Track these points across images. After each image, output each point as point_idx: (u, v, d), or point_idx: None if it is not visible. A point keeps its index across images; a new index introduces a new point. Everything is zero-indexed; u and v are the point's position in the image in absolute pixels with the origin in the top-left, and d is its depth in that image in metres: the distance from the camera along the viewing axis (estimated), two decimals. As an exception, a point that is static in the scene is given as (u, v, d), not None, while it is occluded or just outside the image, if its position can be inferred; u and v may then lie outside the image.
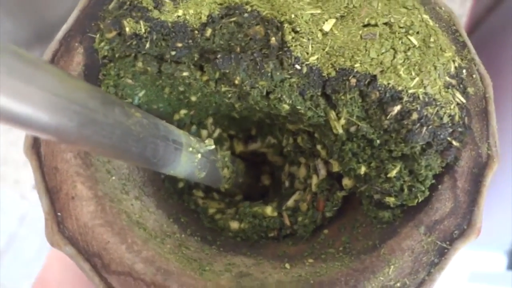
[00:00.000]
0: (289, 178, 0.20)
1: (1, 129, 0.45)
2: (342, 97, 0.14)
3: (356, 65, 0.14)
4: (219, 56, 0.15)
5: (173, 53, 0.15)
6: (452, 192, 0.14)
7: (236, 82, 0.15)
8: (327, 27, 0.15)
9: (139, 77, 0.16)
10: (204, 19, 0.15)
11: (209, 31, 0.15)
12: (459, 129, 0.14)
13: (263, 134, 0.21)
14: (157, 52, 0.15)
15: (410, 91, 0.13)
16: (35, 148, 0.14)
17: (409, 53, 0.14)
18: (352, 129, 0.14)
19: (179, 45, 0.15)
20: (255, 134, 0.21)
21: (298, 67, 0.14)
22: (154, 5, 0.15)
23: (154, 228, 0.15)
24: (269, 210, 0.18)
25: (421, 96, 0.13)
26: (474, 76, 0.15)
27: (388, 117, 0.13)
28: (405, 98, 0.13)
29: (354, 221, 0.16)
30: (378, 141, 0.14)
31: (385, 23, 0.15)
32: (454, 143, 0.14)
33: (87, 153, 0.14)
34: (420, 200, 0.14)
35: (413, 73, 0.14)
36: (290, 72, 0.14)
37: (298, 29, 0.15)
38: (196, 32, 0.15)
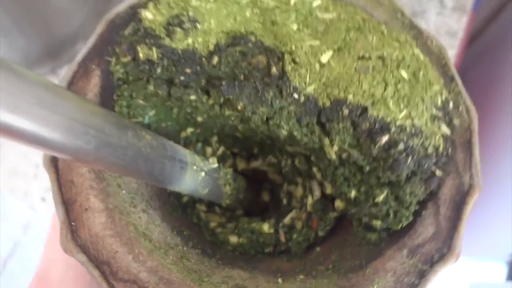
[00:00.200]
0: (287, 196, 0.21)
1: (11, 143, 0.47)
2: (336, 126, 0.15)
3: (349, 96, 0.15)
4: (224, 83, 0.16)
5: (182, 78, 0.16)
6: (435, 218, 0.15)
7: (239, 107, 0.16)
8: (324, 58, 0.16)
9: (150, 98, 0.17)
10: (211, 47, 0.16)
11: (215, 59, 0.16)
12: (443, 160, 0.15)
13: (265, 153, 0.22)
14: (167, 76, 0.16)
15: (398, 122, 0.15)
16: (54, 162, 0.15)
17: (399, 86, 0.15)
18: (344, 155, 0.16)
19: (188, 71, 0.16)
20: (257, 153, 0.23)
21: (296, 96, 0.15)
22: (166, 33, 0.16)
23: (158, 240, 0.16)
24: (266, 227, 0.19)
25: (408, 128, 0.14)
26: (460, 108, 0.16)
27: (376, 146, 0.15)
28: (393, 129, 0.14)
29: (344, 241, 0.17)
30: (367, 168, 0.15)
31: (379, 57, 0.16)
32: (438, 172, 0.15)
33: (99, 171, 0.15)
34: (404, 225, 0.15)
35: (402, 106, 0.15)
36: (289, 100, 0.16)
37: (297, 60, 0.16)
38: (204, 59, 0.16)
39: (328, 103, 0.15)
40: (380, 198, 0.15)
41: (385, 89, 0.15)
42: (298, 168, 0.20)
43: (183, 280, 0.14)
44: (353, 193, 0.16)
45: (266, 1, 0.18)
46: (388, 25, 0.17)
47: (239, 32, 0.17)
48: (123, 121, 0.13)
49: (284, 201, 0.21)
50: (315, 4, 0.18)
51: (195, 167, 0.17)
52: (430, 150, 0.15)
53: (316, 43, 0.17)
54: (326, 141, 0.16)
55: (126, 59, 0.16)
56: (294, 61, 0.16)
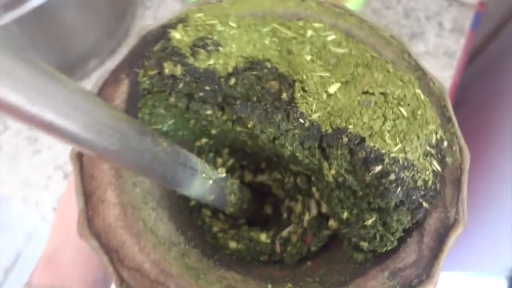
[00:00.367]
0: (288, 211, 0.23)
1: (24, 154, 0.49)
2: (335, 152, 0.17)
3: (350, 127, 0.16)
4: (238, 102, 0.18)
5: (201, 94, 0.18)
6: (418, 246, 0.16)
7: (249, 125, 0.18)
8: (332, 89, 0.18)
9: (170, 109, 0.19)
10: (230, 69, 0.18)
11: (233, 80, 0.18)
12: (431, 193, 0.16)
13: (271, 169, 0.24)
14: (187, 91, 0.18)
15: (392, 154, 0.16)
16: (79, 157, 0.17)
17: (397, 122, 0.17)
18: (340, 179, 0.17)
19: (207, 88, 0.18)
20: (264, 168, 0.24)
21: (301, 121, 0.17)
22: (190, 52, 0.18)
23: (163, 237, 0.17)
24: (264, 237, 0.20)
25: (400, 160, 0.16)
26: (454, 148, 0.17)
27: (370, 174, 0.16)
28: (387, 160, 0.16)
29: (334, 257, 0.18)
30: (360, 193, 0.17)
31: (381, 93, 0.17)
32: (425, 204, 0.16)
33: (118, 169, 0.17)
34: (388, 248, 0.16)
35: (397, 140, 0.16)
36: (294, 124, 0.17)
37: (307, 88, 0.18)
38: (222, 79, 0.18)
39: (330, 130, 0.17)
40: (369, 222, 0.16)
41: (383, 123, 0.16)
42: (299, 186, 0.21)
43: (181, 275, 0.16)
44: (345, 214, 0.17)
45: (284, 31, 0.19)
46: (395, 65, 0.19)
47: (257, 58, 0.18)
48: (144, 128, 0.15)
49: (284, 215, 0.22)
50: (329, 38, 0.19)
51: (204, 175, 0.18)
52: (419, 183, 0.16)
53: (326, 74, 0.18)
54: (325, 164, 0.17)
55: (153, 72, 0.18)
56: (303, 89, 0.18)
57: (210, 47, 0.18)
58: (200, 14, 0.19)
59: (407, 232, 0.16)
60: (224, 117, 0.19)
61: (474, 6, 0.54)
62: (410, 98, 0.17)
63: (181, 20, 0.19)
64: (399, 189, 0.16)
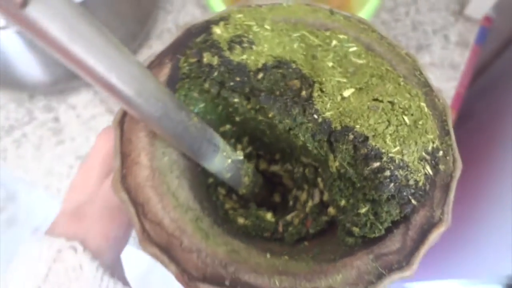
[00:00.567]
0: (294, 199, 0.25)
1: (48, 145, 0.53)
2: (340, 146, 0.19)
3: (357, 126, 0.19)
4: (262, 94, 0.20)
5: (231, 83, 0.21)
6: (403, 237, 0.18)
7: (270, 115, 0.20)
8: (346, 93, 0.20)
9: (203, 93, 0.22)
10: (260, 65, 0.21)
11: (260, 75, 0.21)
12: (420, 193, 0.18)
13: (284, 160, 0.26)
14: (220, 80, 0.21)
15: (390, 154, 0.18)
16: (120, 123, 0.20)
17: (399, 128, 0.19)
18: (342, 171, 0.19)
19: (237, 79, 0.21)
20: (278, 159, 0.27)
21: (315, 116, 0.19)
22: (227, 47, 0.21)
23: (183, 201, 0.20)
24: (269, 216, 0.23)
25: (397, 160, 0.18)
26: (448, 158, 0.19)
27: (368, 169, 0.18)
28: (384, 159, 0.18)
29: (329, 241, 0.20)
30: (358, 185, 0.19)
31: (389, 101, 0.20)
32: (413, 201, 0.18)
33: (153, 136, 0.20)
34: (376, 235, 0.18)
35: (397, 143, 0.18)
36: (309, 118, 0.19)
37: (324, 89, 0.20)
38: (252, 73, 0.21)
39: (339, 127, 0.19)
40: (363, 210, 0.18)
41: (387, 127, 0.19)
42: (307, 176, 0.23)
43: (194, 234, 0.18)
44: (343, 202, 0.19)
45: (312, 39, 0.22)
46: (406, 79, 0.21)
47: (284, 59, 0.21)
48: (181, 103, 0.18)
49: (291, 203, 0.25)
50: (351, 49, 0.22)
51: (224, 153, 0.21)
52: (411, 182, 0.18)
53: (343, 80, 0.21)
54: (331, 156, 0.19)
55: (193, 60, 0.21)
56: (321, 90, 0.20)
57: (245, 44, 0.21)
58: (240, 15, 0.22)
59: (395, 224, 0.18)
60: (249, 106, 0.21)
61: (479, 21, 0.56)
62: (415, 109, 0.19)
63: (223, 18, 0.22)
64: (392, 184, 0.18)
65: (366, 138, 0.18)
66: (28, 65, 0.52)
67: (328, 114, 0.19)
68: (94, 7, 0.47)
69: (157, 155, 0.20)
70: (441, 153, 0.19)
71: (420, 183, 0.18)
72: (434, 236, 0.18)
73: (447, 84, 0.54)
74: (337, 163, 0.19)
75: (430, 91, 0.21)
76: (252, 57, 0.21)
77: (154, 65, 0.21)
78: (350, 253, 0.18)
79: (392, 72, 0.21)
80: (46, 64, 0.52)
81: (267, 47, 0.21)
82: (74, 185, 0.23)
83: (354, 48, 0.22)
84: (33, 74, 0.53)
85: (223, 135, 0.25)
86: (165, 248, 0.18)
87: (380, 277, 0.17)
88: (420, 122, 0.19)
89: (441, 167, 0.19)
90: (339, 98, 0.20)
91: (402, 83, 0.20)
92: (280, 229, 0.22)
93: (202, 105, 0.23)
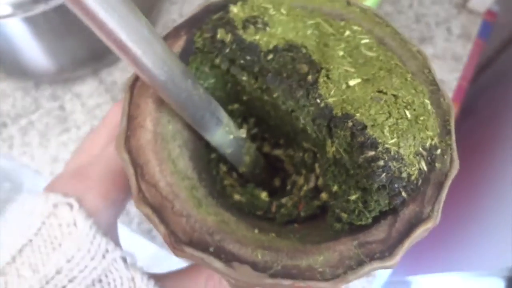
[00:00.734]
0: (292, 184, 0.25)
1: (53, 132, 0.55)
2: (339, 132, 0.19)
3: (357, 114, 0.19)
4: (270, 74, 0.21)
5: (241, 61, 0.21)
6: (389, 228, 0.18)
7: (274, 95, 0.21)
8: (352, 83, 0.20)
9: (213, 69, 0.22)
10: (271, 47, 0.21)
11: (270, 56, 0.21)
12: (411, 187, 0.18)
13: (287, 145, 0.27)
14: (231, 57, 0.21)
15: (386, 145, 0.18)
16: (131, 88, 0.21)
17: (399, 121, 0.19)
18: (338, 156, 0.20)
19: (248, 58, 0.21)
20: (282, 144, 0.27)
21: (318, 101, 0.20)
22: (242, 26, 0.21)
23: (181, 169, 0.21)
24: (263, 195, 0.23)
25: (392, 152, 0.18)
26: (445, 157, 0.19)
27: (363, 156, 0.18)
28: (380, 149, 0.18)
29: (317, 225, 0.21)
30: (351, 171, 0.19)
31: (393, 95, 0.20)
32: (403, 194, 0.18)
33: (161, 104, 0.21)
34: (363, 223, 0.18)
35: (395, 135, 0.19)
36: (311, 102, 0.20)
37: (331, 76, 0.20)
38: (262, 53, 0.21)
39: (339, 114, 0.19)
40: (353, 197, 0.19)
41: (387, 119, 0.19)
42: (306, 161, 0.24)
43: (187, 200, 0.19)
44: (335, 188, 0.20)
45: (326, 27, 0.22)
46: (414, 75, 0.21)
47: (296, 43, 0.21)
48: (188, 72, 0.18)
49: (288, 187, 0.25)
50: (363, 41, 0.22)
51: (227, 128, 0.21)
52: (404, 175, 0.18)
53: (351, 70, 0.21)
54: (329, 142, 0.20)
55: (207, 35, 0.21)
56: (327, 76, 0.20)
57: (259, 25, 0.21)
58: None
59: (383, 214, 0.18)
60: (256, 85, 0.22)
61: (482, 14, 0.57)
62: (418, 105, 0.20)
63: None
64: (384, 174, 0.18)
65: (365, 127, 0.19)
66: (34, 54, 0.52)
67: (330, 100, 0.20)
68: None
69: (163, 122, 0.21)
70: (439, 151, 0.19)
71: (413, 177, 0.18)
72: (420, 231, 0.18)
73: (450, 75, 0.55)
74: (333, 149, 0.20)
75: (436, 89, 0.21)
76: (265, 38, 0.21)
77: (170, 36, 0.22)
78: (335, 237, 0.19)
79: (401, 67, 0.21)
80: (52, 53, 0.53)
81: (280, 30, 0.22)
82: (79, 149, 0.24)
83: (367, 40, 0.22)
84: (39, 63, 0.54)
85: (231, 113, 0.26)
86: (157, 209, 0.19)
87: (361, 263, 0.18)
88: (422, 118, 0.19)
89: (437, 165, 0.19)
90: (344, 86, 0.20)
91: (409, 79, 0.21)
92: (273, 209, 0.23)
93: (212, 80, 0.23)
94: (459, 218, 0.63)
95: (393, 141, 0.18)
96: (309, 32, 0.22)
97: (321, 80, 0.20)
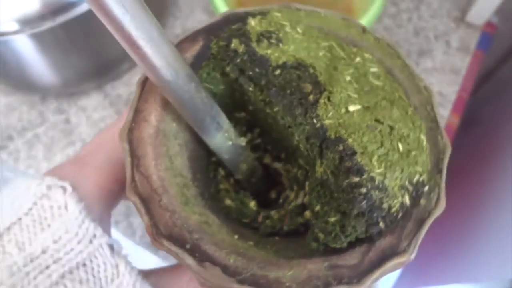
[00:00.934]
0: (284, 198, 0.26)
1: (59, 145, 0.56)
2: (329, 154, 0.20)
3: (349, 140, 0.19)
4: (274, 89, 0.21)
5: (250, 72, 0.22)
6: (362, 256, 0.18)
7: (275, 109, 0.21)
8: (352, 108, 0.21)
9: (224, 76, 0.23)
10: (280, 62, 0.22)
11: (278, 71, 0.22)
12: (390, 219, 0.18)
13: (287, 160, 0.27)
14: (241, 67, 0.22)
15: (372, 174, 0.19)
16: (143, 83, 0.22)
17: (390, 152, 0.19)
18: (325, 178, 0.20)
19: (257, 70, 0.22)
20: (283, 158, 0.28)
21: (315, 121, 0.20)
22: (256, 39, 0.22)
23: (176, 166, 0.22)
24: (252, 204, 0.24)
25: (377, 181, 0.18)
26: (432, 195, 0.19)
27: (347, 181, 0.19)
28: (365, 176, 0.19)
29: (296, 241, 0.21)
30: (335, 194, 0.19)
31: (390, 126, 0.20)
32: (381, 224, 0.18)
33: (168, 101, 0.22)
34: (338, 246, 0.19)
35: (382, 165, 0.19)
36: (308, 121, 0.20)
37: (332, 99, 0.21)
38: (271, 68, 0.22)
39: (333, 136, 0.20)
40: (332, 219, 0.19)
41: (378, 148, 0.19)
42: (298, 178, 0.24)
43: (175, 197, 0.20)
44: (318, 208, 0.20)
45: (338, 51, 0.23)
46: (416, 110, 0.21)
47: (305, 62, 0.22)
48: (193, 75, 0.19)
49: (280, 201, 0.26)
50: (372, 69, 0.22)
51: (226, 134, 0.22)
52: (384, 205, 0.18)
53: (354, 95, 0.21)
54: (318, 162, 0.20)
55: (222, 43, 0.22)
56: (329, 98, 0.21)
57: (273, 41, 0.22)
58: (278, 14, 0.23)
59: (359, 241, 0.19)
60: (260, 97, 0.22)
61: (480, 27, 0.59)
62: (412, 140, 0.20)
63: (262, 13, 0.23)
64: (364, 202, 0.18)
65: (354, 153, 0.19)
66: (40, 69, 0.54)
67: (327, 121, 0.20)
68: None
69: (167, 119, 0.22)
70: (426, 188, 0.19)
71: (393, 210, 0.19)
72: (393, 264, 0.18)
73: (449, 88, 0.56)
74: (322, 169, 0.20)
75: (435, 126, 0.21)
76: (276, 54, 0.22)
77: (188, 40, 0.23)
78: (308, 256, 0.19)
79: (404, 100, 0.21)
80: (58, 68, 0.54)
81: (293, 48, 0.22)
82: (89, 142, 0.24)
83: (375, 69, 0.22)
84: (45, 78, 0.55)
85: (238, 121, 0.27)
86: (145, 200, 0.20)
87: (328, 285, 0.18)
88: (414, 153, 0.19)
89: (422, 201, 0.19)
90: (343, 110, 0.21)
91: (409, 112, 0.21)
92: (260, 219, 0.23)
93: (222, 87, 0.24)
94: (461, 229, 0.63)
95: (379, 170, 0.19)
96: (321, 53, 0.23)
97: (322, 101, 0.21)
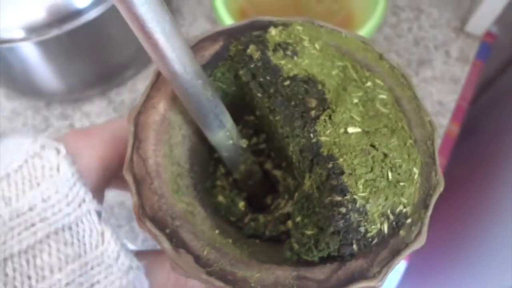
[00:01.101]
0: (276, 205, 0.26)
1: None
2: (318, 169, 0.20)
3: (340, 159, 0.20)
4: (280, 98, 0.22)
5: (261, 79, 0.23)
6: (331, 273, 0.19)
7: (277, 118, 0.22)
8: (351, 130, 0.21)
9: (237, 78, 0.24)
10: (291, 74, 0.22)
11: (287, 82, 0.22)
12: (364, 242, 0.19)
13: (286, 169, 0.28)
14: (254, 72, 0.23)
15: (355, 196, 0.19)
16: (158, 74, 0.23)
17: (378, 179, 0.19)
18: (310, 192, 0.20)
19: (268, 78, 0.23)
20: (283, 166, 0.28)
21: (311, 135, 0.21)
22: (273, 48, 0.23)
23: (175, 155, 0.23)
24: (241, 204, 0.25)
25: (358, 204, 0.19)
26: (413, 228, 0.19)
27: (329, 199, 0.19)
28: (347, 197, 0.19)
29: (274, 247, 0.22)
30: (316, 209, 0.20)
31: (384, 153, 0.20)
32: (354, 246, 0.19)
33: (176, 95, 0.23)
34: (309, 259, 0.19)
35: (367, 190, 0.19)
36: (305, 135, 0.21)
37: (333, 118, 0.21)
38: (281, 78, 0.22)
39: (325, 153, 0.20)
40: (308, 232, 0.19)
41: (366, 173, 0.19)
42: (290, 188, 0.25)
43: (167, 183, 0.21)
44: (298, 219, 0.20)
45: (351, 73, 0.23)
46: (415, 143, 0.21)
47: (315, 78, 0.22)
48: (202, 73, 0.20)
49: (272, 207, 0.26)
50: (380, 96, 0.23)
51: (228, 133, 0.23)
52: (361, 229, 0.19)
53: (357, 118, 0.22)
54: (307, 175, 0.21)
55: (240, 47, 0.23)
56: (330, 117, 0.21)
57: (289, 52, 0.23)
58: (299, 27, 0.24)
59: (331, 258, 0.19)
60: (267, 104, 0.23)
61: (480, 37, 0.60)
62: (404, 171, 0.20)
63: (284, 24, 0.24)
64: (341, 221, 0.19)
65: (342, 173, 0.19)
66: (45, 75, 0.55)
67: (323, 138, 0.21)
68: (109, 21, 0.50)
69: (174, 110, 0.23)
70: (408, 220, 0.19)
71: (369, 235, 0.19)
72: (360, 287, 0.19)
73: (448, 97, 0.56)
74: (309, 183, 0.20)
75: (432, 163, 0.21)
76: (289, 65, 0.23)
77: (210, 38, 0.24)
78: (279, 263, 0.19)
79: (406, 131, 0.21)
80: (63, 74, 0.56)
81: (307, 62, 0.23)
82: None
83: (384, 96, 0.22)
84: (50, 84, 0.56)
85: (246, 123, 0.27)
86: (137, 181, 0.21)
87: None
88: (402, 184, 0.20)
89: (402, 233, 0.19)
90: (341, 130, 0.21)
91: (408, 144, 0.21)
92: (246, 220, 0.24)
93: (234, 88, 0.25)
94: (461, 237, 0.63)
95: (363, 194, 0.19)
96: (334, 72, 0.23)
97: (322, 117, 0.21)
